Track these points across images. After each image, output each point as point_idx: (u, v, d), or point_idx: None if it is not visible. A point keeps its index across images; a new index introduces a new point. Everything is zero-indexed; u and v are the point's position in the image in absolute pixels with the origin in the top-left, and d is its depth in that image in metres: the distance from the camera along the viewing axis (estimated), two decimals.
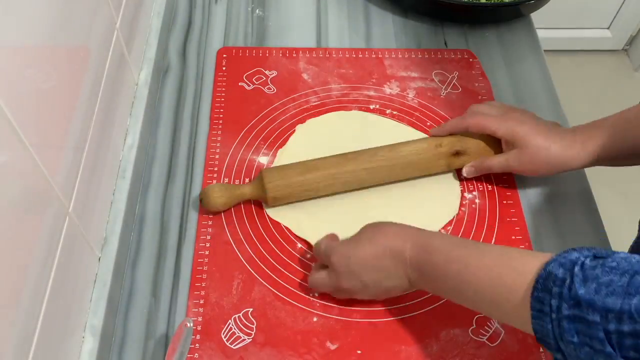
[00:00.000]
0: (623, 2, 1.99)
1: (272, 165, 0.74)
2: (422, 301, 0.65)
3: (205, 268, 0.66)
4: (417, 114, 0.81)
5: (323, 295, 0.65)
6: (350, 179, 0.70)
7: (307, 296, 0.65)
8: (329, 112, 0.81)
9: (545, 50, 0.91)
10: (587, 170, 0.77)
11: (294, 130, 0.78)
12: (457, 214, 0.72)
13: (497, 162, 0.71)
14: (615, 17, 2.03)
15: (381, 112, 0.81)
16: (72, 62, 0.56)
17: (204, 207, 0.69)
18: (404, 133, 0.79)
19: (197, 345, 0.61)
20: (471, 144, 0.72)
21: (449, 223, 0.71)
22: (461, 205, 0.73)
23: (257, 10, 0.93)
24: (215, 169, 0.74)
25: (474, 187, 0.74)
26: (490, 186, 0.75)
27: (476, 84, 0.85)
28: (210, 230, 0.69)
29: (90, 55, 0.60)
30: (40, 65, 0.49)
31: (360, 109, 0.81)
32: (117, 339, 0.62)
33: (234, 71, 0.84)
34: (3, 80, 0.42)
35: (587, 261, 0.45)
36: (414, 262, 0.58)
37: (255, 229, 0.70)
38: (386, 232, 0.60)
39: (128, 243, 0.68)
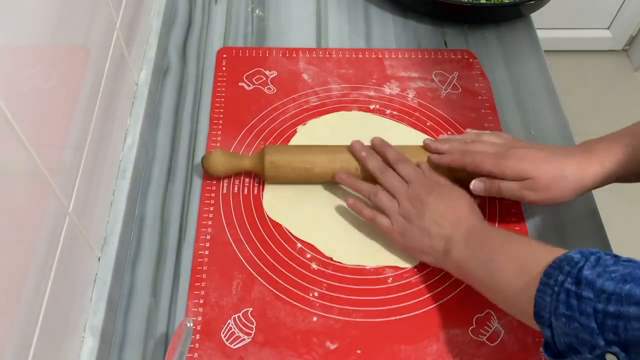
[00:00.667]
0: (623, 2, 1.98)
1: None
2: (422, 301, 0.66)
3: (205, 268, 0.67)
4: (417, 114, 0.81)
5: (323, 295, 0.65)
6: (345, 166, 0.71)
7: (307, 296, 0.65)
8: (329, 112, 0.81)
9: (545, 50, 0.91)
10: None
11: (295, 131, 0.78)
12: None
13: (510, 186, 0.65)
14: (615, 17, 2.03)
15: (381, 112, 0.81)
16: (72, 62, 0.56)
17: (205, 172, 0.72)
18: (404, 133, 0.79)
19: (196, 345, 0.61)
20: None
21: None
22: None
23: (257, 10, 0.93)
24: None
25: None
26: None
27: (476, 84, 0.85)
28: (210, 230, 0.69)
29: (90, 55, 0.60)
30: (40, 65, 0.49)
31: (360, 109, 0.81)
32: (117, 339, 0.62)
33: (234, 71, 0.84)
34: (3, 80, 0.42)
35: (607, 257, 0.49)
36: (465, 238, 0.61)
37: (255, 229, 0.70)
38: (462, 204, 0.65)
39: (128, 243, 0.68)
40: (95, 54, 0.62)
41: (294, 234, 0.69)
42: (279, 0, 0.94)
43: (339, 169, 0.70)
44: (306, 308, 0.64)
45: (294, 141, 0.77)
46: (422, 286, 0.67)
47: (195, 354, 0.61)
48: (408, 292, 0.66)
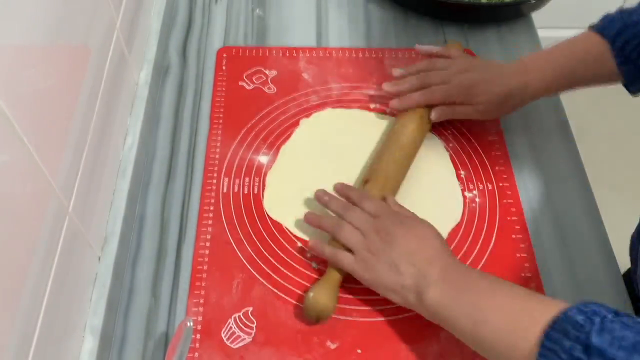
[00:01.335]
0: (623, 2, 1.98)
1: (275, 164, 0.74)
2: None
3: (205, 268, 0.67)
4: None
5: None
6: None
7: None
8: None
9: None
10: (587, 171, 0.77)
11: (299, 125, 0.78)
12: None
13: (465, 111, 0.75)
14: None
15: (381, 112, 0.81)
16: (72, 62, 0.56)
17: (318, 320, 0.63)
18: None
19: (197, 344, 0.61)
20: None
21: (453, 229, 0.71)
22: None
23: (257, 10, 0.93)
24: (215, 168, 0.74)
25: (474, 187, 0.74)
26: (490, 185, 0.75)
27: None
28: (210, 230, 0.69)
29: (90, 55, 0.60)
30: (40, 65, 0.49)
31: (360, 108, 0.81)
32: (117, 339, 0.62)
33: (234, 71, 0.84)
34: (3, 80, 0.42)
35: (610, 316, 0.47)
36: (439, 285, 0.57)
37: (255, 228, 0.70)
38: (432, 243, 0.61)
39: (128, 243, 0.68)
40: (95, 54, 0.62)
41: (294, 233, 0.69)
42: (279, 0, 0.94)
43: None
44: None
45: (296, 135, 0.77)
46: None
47: (196, 353, 0.61)
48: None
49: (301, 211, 0.71)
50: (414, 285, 0.58)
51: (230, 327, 0.63)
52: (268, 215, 0.71)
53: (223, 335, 0.62)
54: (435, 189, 0.74)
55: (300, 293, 0.65)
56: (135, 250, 0.68)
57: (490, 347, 0.53)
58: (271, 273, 0.66)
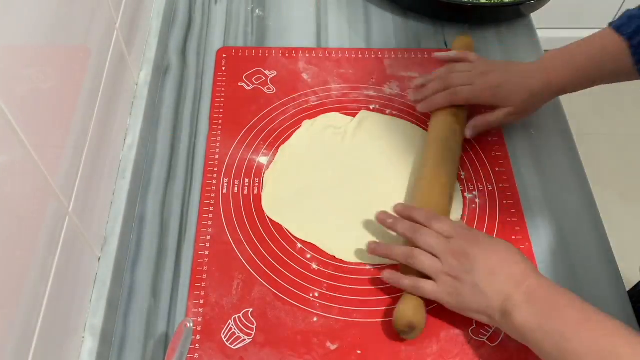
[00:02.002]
0: (623, 2, 1.98)
1: (272, 164, 0.74)
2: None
3: (205, 268, 0.66)
4: (417, 114, 0.81)
5: (323, 295, 0.65)
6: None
7: (307, 296, 0.65)
8: (329, 112, 0.80)
9: (545, 50, 0.91)
10: (587, 170, 0.77)
11: (300, 126, 0.78)
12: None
13: (497, 117, 0.75)
14: (615, 17, 2.03)
15: (381, 112, 0.81)
16: (72, 62, 0.56)
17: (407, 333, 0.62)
18: (407, 128, 0.79)
19: (197, 345, 0.61)
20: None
21: None
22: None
23: (257, 10, 0.93)
24: (215, 169, 0.74)
25: (474, 187, 0.74)
26: (490, 186, 0.75)
27: None
28: (210, 230, 0.69)
29: (90, 55, 0.60)
30: (40, 65, 0.49)
31: (360, 109, 0.81)
32: (117, 339, 0.62)
33: (233, 71, 0.84)
34: (3, 80, 0.42)
35: None
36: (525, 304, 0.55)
37: (255, 229, 0.70)
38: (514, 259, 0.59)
39: (128, 243, 0.68)
40: (95, 54, 0.62)
41: (294, 234, 0.69)
42: (279, 0, 0.94)
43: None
44: (306, 308, 0.64)
45: (296, 136, 0.77)
46: None
47: (196, 354, 0.61)
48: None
49: (301, 212, 0.71)
50: (499, 306, 0.57)
51: (230, 328, 0.63)
52: (268, 216, 0.71)
53: (223, 336, 0.62)
54: None
55: (301, 294, 0.65)
56: (135, 250, 0.68)
57: None
58: (271, 274, 0.66)
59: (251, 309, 0.64)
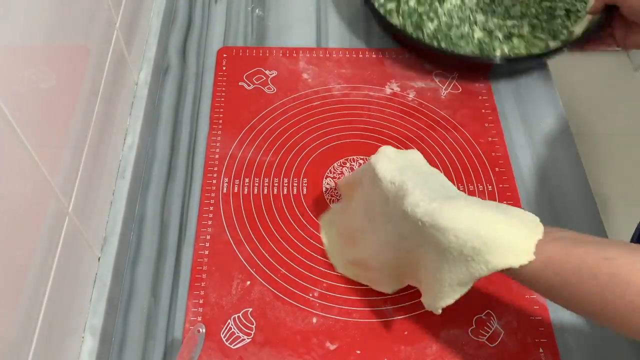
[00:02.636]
0: None
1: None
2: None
3: (205, 268, 0.67)
4: (417, 114, 0.81)
5: (322, 295, 0.65)
6: None
7: (307, 296, 0.65)
8: (329, 112, 0.80)
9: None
10: (588, 170, 0.77)
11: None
12: None
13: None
14: None
15: (381, 112, 0.81)
16: (72, 62, 0.56)
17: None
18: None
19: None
20: None
21: None
22: None
23: (257, 10, 0.93)
24: (215, 169, 0.74)
25: (474, 187, 0.74)
26: (490, 186, 0.75)
27: (476, 84, 0.85)
28: (210, 230, 0.69)
29: (90, 55, 0.60)
30: (40, 65, 0.49)
31: (360, 108, 0.81)
32: (117, 339, 0.62)
33: (234, 71, 0.84)
34: (3, 80, 0.42)
35: None
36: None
37: (255, 229, 0.70)
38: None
39: (128, 243, 0.68)
40: (95, 54, 0.62)
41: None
42: (279, 0, 0.94)
43: None
44: (306, 308, 0.64)
45: None
46: None
47: None
48: (408, 292, 0.66)
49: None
50: None
51: (230, 328, 0.63)
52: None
53: (222, 336, 0.62)
54: None
55: (300, 294, 0.65)
56: (135, 250, 0.68)
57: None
58: (271, 274, 0.67)
59: (251, 309, 0.64)
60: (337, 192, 0.73)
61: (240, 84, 0.83)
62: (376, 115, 0.81)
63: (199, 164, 0.75)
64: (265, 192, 0.73)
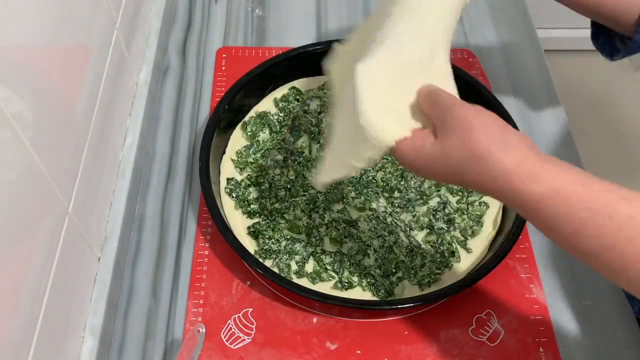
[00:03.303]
0: None
1: None
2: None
3: (205, 268, 0.66)
4: None
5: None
6: None
7: (307, 297, 0.65)
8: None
9: (545, 50, 0.91)
10: (587, 170, 0.77)
11: None
12: None
13: None
14: None
15: None
16: (72, 62, 0.56)
17: None
18: None
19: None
20: None
21: None
22: None
23: (257, 10, 0.93)
24: None
25: None
26: None
27: None
28: (210, 230, 0.69)
29: (90, 55, 0.60)
30: (40, 65, 0.49)
31: None
32: (117, 339, 0.62)
33: (233, 71, 0.84)
34: (3, 80, 0.42)
35: None
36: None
37: None
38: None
39: (128, 243, 0.68)
40: (95, 54, 0.62)
41: None
42: (279, 0, 0.94)
43: None
44: (306, 308, 0.64)
45: None
46: None
47: None
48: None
49: None
50: None
51: (230, 328, 0.63)
52: None
53: (223, 336, 0.62)
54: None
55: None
56: (135, 250, 0.68)
57: None
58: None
59: (251, 309, 0.64)
60: None
61: None
62: None
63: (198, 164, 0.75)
64: None
